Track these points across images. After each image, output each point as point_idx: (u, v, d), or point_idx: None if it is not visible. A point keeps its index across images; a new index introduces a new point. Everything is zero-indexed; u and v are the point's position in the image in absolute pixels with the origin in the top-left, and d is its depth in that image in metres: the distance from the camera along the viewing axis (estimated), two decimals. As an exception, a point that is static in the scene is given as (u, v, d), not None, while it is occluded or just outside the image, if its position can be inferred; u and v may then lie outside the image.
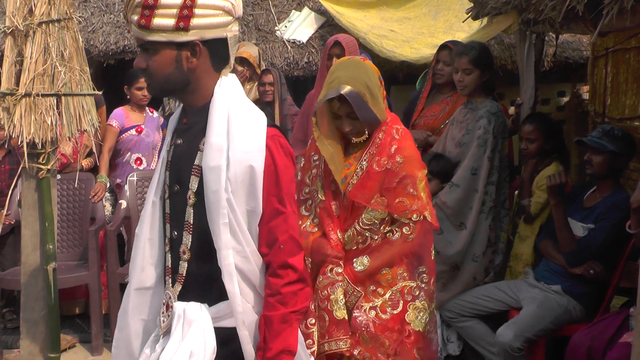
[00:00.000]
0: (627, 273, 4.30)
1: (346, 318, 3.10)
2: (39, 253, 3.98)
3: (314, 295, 3.15)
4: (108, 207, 6.20)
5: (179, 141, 2.40)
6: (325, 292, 3.12)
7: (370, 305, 3.12)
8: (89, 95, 3.78)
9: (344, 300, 3.12)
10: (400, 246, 3.14)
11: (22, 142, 3.67)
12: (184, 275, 2.36)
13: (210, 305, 2.33)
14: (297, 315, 2.33)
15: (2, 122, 3.66)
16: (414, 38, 8.31)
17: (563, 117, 8.73)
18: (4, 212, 5.71)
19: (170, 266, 2.41)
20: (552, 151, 4.74)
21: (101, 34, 9.06)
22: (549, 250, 4.43)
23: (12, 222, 5.65)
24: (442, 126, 5.10)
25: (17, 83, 3.66)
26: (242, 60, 6.34)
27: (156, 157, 6.39)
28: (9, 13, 3.65)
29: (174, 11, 2.22)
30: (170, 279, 2.41)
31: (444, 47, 5.28)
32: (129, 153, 6.27)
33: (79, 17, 3.75)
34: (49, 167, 3.80)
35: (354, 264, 3.16)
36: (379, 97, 3.09)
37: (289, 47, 8.85)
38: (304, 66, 8.56)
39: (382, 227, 3.15)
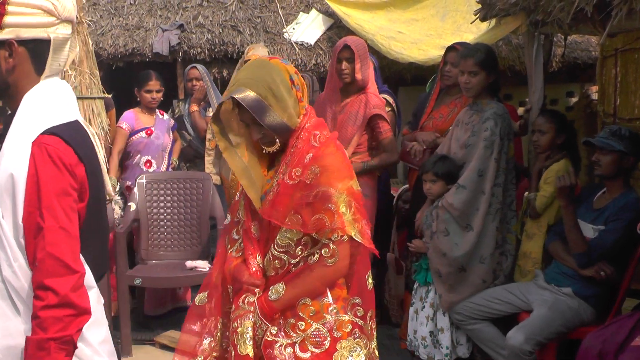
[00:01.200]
0: (639, 275, 4.30)
1: (250, 355, 2.69)
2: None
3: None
4: (117, 210, 6.21)
5: None
6: (235, 323, 2.74)
7: (288, 341, 2.68)
8: (98, 98, 3.80)
9: (251, 334, 2.70)
10: (319, 272, 2.66)
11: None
12: None
13: None
14: (59, 343, 2.05)
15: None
16: (421, 39, 8.31)
17: (572, 117, 8.72)
18: None
19: None
20: (563, 147, 4.73)
21: (110, 37, 9.10)
22: (559, 252, 4.42)
23: None
24: (451, 128, 5.10)
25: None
26: (251, 64, 6.32)
27: (166, 159, 6.40)
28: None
29: None
30: None
31: (451, 48, 5.28)
32: (139, 155, 6.29)
33: (89, 20, 3.76)
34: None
35: (269, 292, 2.70)
36: (287, 99, 2.67)
37: (297, 49, 8.88)
38: (312, 68, 8.59)
39: (298, 250, 2.70)
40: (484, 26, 6.51)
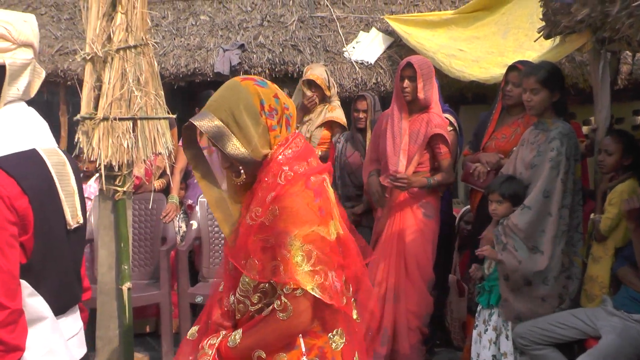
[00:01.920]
0: None
1: None
2: (114, 273, 4.05)
3: None
4: (182, 227, 6.27)
5: None
6: None
7: None
8: (163, 118, 3.84)
9: None
10: (272, 325, 2.34)
11: (99, 164, 3.74)
12: None
13: None
14: None
15: (81, 146, 3.74)
16: (483, 57, 8.23)
17: (638, 136, 8.54)
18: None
19: None
20: (630, 167, 4.62)
21: (172, 57, 9.22)
22: (629, 276, 4.30)
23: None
24: (514, 148, 5.03)
25: (96, 107, 3.75)
26: (309, 83, 6.32)
27: (227, 178, 6.44)
28: (89, 40, 3.74)
29: None
30: None
31: (513, 68, 5.22)
32: (201, 174, 6.33)
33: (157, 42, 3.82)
34: (125, 189, 3.87)
35: (230, 337, 2.44)
36: (251, 127, 2.37)
37: (357, 68, 8.87)
38: (373, 87, 8.56)
39: (255, 297, 2.42)
40: (548, 44, 6.41)
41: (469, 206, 6.08)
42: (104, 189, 3.86)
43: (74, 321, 2.44)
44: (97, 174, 6.41)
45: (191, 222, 6.05)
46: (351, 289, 2.49)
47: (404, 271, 5.18)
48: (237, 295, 2.46)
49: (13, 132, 2.24)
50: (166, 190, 6.33)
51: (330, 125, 6.32)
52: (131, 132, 3.73)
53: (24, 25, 2.32)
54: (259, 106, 2.38)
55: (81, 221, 2.45)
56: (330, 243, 2.35)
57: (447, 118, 5.39)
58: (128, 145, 3.71)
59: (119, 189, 3.85)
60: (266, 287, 2.39)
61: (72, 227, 2.38)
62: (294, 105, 2.52)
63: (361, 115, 6.05)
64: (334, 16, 9.71)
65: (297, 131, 2.52)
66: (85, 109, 3.78)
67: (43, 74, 2.40)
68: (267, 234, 2.33)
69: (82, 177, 6.35)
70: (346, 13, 9.81)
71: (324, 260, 2.31)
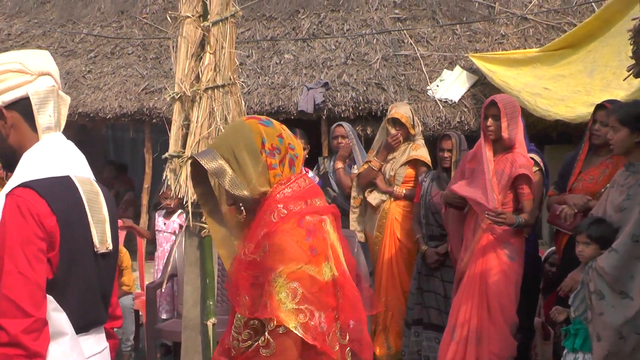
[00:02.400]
0: None
1: None
2: (199, 308, 4.10)
3: None
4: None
5: None
6: None
7: None
8: (250, 157, 3.90)
9: None
10: None
11: (187, 202, 3.81)
12: None
13: None
14: None
15: (169, 183, 3.82)
16: (569, 96, 8.11)
17: None
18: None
19: None
20: None
21: (256, 96, 9.39)
22: None
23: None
24: (603, 190, 4.91)
25: (184, 146, 3.83)
26: (394, 121, 6.33)
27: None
28: (177, 80, 3.83)
29: None
30: None
31: (601, 106, 5.12)
32: (285, 211, 6.38)
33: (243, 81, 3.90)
34: (211, 226, 3.92)
35: None
36: (250, 165, 2.40)
37: (441, 106, 8.86)
38: (457, 125, 8.52)
39: (245, 334, 2.36)
40: (637, 82, 6.29)
41: (554, 248, 5.95)
42: (191, 226, 3.92)
43: (96, 341, 2.55)
44: (180, 210, 6.59)
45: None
46: (348, 337, 2.41)
47: (486, 313, 5.10)
48: (232, 331, 2.44)
49: (50, 158, 2.44)
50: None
51: (414, 163, 6.29)
52: (218, 170, 3.78)
53: (36, 57, 2.49)
54: (259, 145, 2.41)
55: (110, 248, 2.58)
56: (321, 283, 2.31)
57: (532, 158, 5.30)
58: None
59: (205, 226, 3.91)
60: (256, 323, 2.34)
61: (100, 252, 2.51)
62: (300, 147, 2.55)
63: (446, 154, 6.01)
64: (418, 54, 9.73)
65: (305, 172, 2.52)
66: (173, 147, 3.87)
67: (68, 100, 2.60)
68: (257, 270, 2.32)
69: (165, 213, 6.56)
70: (430, 51, 9.82)
71: (310, 300, 2.26)
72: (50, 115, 2.48)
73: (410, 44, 9.97)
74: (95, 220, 2.50)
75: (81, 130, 12.92)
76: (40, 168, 2.39)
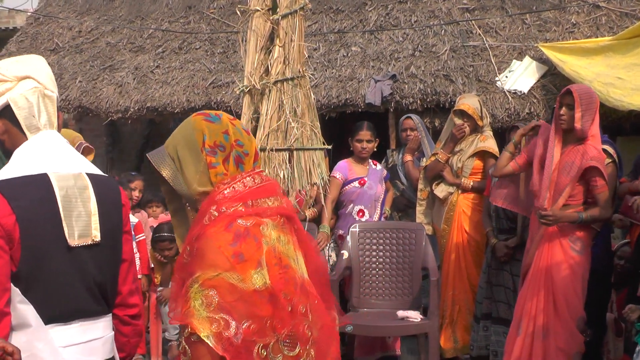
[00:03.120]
0: None
1: None
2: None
3: None
4: (333, 257, 6.34)
5: None
6: None
7: None
8: (319, 149, 3.90)
9: None
10: None
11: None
12: None
13: None
14: None
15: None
16: (643, 86, 7.91)
17: None
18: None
19: None
20: None
21: (323, 88, 9.38)
22: None
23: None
24: (681, 181, 4.78)
25: (253, 139, 3.85)
26: (461, 113, 6.26)
27: (379, 209, 6.46)
28: (247, 73, 3.85)
29: None
30: None
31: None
32: (352, 205, 6.40)
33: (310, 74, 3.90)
34: (280, 219, 3.94)
35: None
36: (189, 163, 2.33)
37: (510, 97, 8.72)
38: (526, 117, 8.37)
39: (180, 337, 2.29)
40: None
41: (624, 240, 5.82)
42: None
43: (81, 332, 2.60)
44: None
45: (342, 251, 6.10)
46: (299, 348, 2.25)
47: (552, 307, 5.02)
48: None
49: (26, 157, 2.58)
50: (317, 220, 6.41)
51: (482, 155, 6.22)
52: (287, 162, 3.80)
53: (15, 64, 2.67)
54: (200, 142, 2.32)
55: (98, 239, 2.62)
56: (244, 292, 2.15)
57: (605, 150, 5.17)
58: (284, 176, 3.79)
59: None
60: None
61: (82, 244, 2.59)
62: (252, 142, 2.42)
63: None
64: (487, 45, 9.60)
65: (259, 170, 2.39)
66: (243, 140, 3.89)
67: (55, 97, 2.71)
68: (184, 274, 2.21)
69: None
70: (499, 42, 9.68)
71: (227, 309, 2.13)
72: (34, 115, 2.63)
73: (479, 34, 9.84)
74: (75, 214, 2.57)
75: (149, 124, 13.16)
76: (15, 168, 2.55)
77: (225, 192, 2.27)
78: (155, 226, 6.74)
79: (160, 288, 6.56)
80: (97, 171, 2.73)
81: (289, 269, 2.26)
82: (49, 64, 2.77)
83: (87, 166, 2.72)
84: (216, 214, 2.23)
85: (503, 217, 5.90)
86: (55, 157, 2.63)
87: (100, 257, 2.64)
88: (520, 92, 8.80)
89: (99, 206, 2.63)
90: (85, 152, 4.56)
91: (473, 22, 10.03)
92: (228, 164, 2.31)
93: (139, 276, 6.24)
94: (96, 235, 2.61)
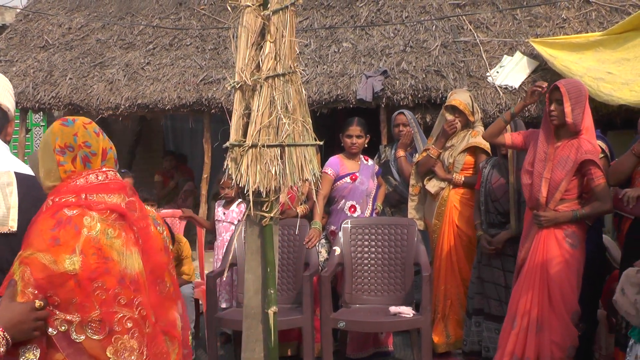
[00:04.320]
0: None
1: None
2: (260, 297, 4.11)
3: None
4: (323, 253, 6.34)
5: None
6: None
7: None
8: (311, 145, 3.88)
9: None
10: None
11: (248, 190, 3.82)
12: None
13: None
14: None
15: (230, 172, 3.83)
16: (633, 80, 7.94)
17: None
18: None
19: None
20: None
21: (314, 85, 9.38)
22: None
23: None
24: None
25: (245, 135, 3.83)
26: (453, 109, 6.27)
27: (370, 204, 6.46)
28: (238, 69, 3.83)
29: None
30: None
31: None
32: (344, 200, 6.39)
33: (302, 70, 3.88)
34: (272, 214, 3.92)
35: None
36: (46, 162, 2.69)
37: (501, 93, 8.75)
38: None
39: None
40: None
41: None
42: (252, 214, 3.93)
43: None
44: (239, 200, 6.64)
45: (334, 248, 6.10)
46: (105, 335, 2.45)
47: (547, 301, 5.04)
48: None
49: None
50: (309, 216, 6.41)
51: (473, 150, 6.24)
52: (279, 158, 3.78)
53: None
54: (53, 143, 2.65)
55: (14, 229, 2.90)
56: (53, 272, 2.39)
57: (598, 145, 5.20)
58: (276, 172, 3.77)
59: (266, 214, 3.91)
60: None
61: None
62: (101, 143, 2.71)
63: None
64: (478, 40, 9.62)
65: (106, 169, 2.69)
66: (234, 136, 3.86)
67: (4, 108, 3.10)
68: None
69: (224, 203, 6.59)
70: (490, 37, 9.70)
71: (34, 285, 2.38)
72: None
73: (470, 30, 9.86)
74: None
75: (141, 121, 13.15)
76: None
77: (70, 185, 2.60)
78: None
79: None
80: (27, 171, 3.04)
81: (109, 261, 2.47)
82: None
83: (18, 166, 3.04)
84: (50, 203, 2.55)
85: (493, 212, 5.91)
86: None
87: (16, 246, 2.68)
88: (512, 87, 8.83)
89: (20, 201, 2.93)
90: None
91: (464, 17, 10.06)
92: (76, 162, 2.64)
93: None
94: (13, 225, 2.89)
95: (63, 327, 2.39)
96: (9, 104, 3.13)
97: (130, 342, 2.48)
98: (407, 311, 5.69)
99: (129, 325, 2.48)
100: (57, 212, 2.49)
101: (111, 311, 2.45)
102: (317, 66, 9.81)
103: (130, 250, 2.54)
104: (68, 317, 2.40)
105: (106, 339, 2.43)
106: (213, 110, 10.06)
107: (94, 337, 2.42)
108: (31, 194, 2.94)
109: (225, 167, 3.91)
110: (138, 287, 2.52)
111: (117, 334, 2.46)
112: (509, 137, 5.50)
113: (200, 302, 6.83)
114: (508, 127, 5.59)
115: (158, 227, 2.78)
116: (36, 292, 2.37)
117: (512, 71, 9.02)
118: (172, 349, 2.69)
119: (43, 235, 2.44)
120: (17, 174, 2.96)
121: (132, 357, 2.48)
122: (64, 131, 2.66)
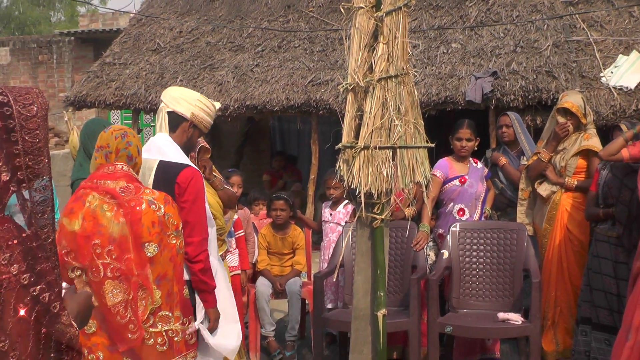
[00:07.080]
0: None
1: None
2: (369, 299, 4.11)
3: None
4: (432, 256, 6.29)
5: None
6: None
7: None
8: (423, 147, 3.86)
9: None
10: None
11: (359, 192, 3.83)
12: None
13: None
14: None
15: (341, 174, 3.85)
16: None
17: None
18: None
19: None
20: None
21: (423, 86, 9.32)
22: None
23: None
24: None
25: (357, 136, 3.84)
26: (564, 111, 6.11)
27: (479, 208, 6.36)
28: (350, 71, 3.84)
29: None
30: None
31: None
32: (452, 203, 6.32)
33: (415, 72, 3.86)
34: (383, 217, 3.92)
35: None
36: (90, 157, 3.99)
37: (615, 94, 8.46)
38: (632, 114, 8.10)
39: None
40: None
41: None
42: (363, 216, 3.94)
43: None
44: (346, 201, 6.65)
45: (442, 251, 6.05)
46: (82, 274, 3.52)
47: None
48: None
49: None
50: (415, 218, 6.37)
51: (586, 154, 6.07)
52: (391, 160, 3.78)
53: None
54: (94, 144, 3.79)
55: None
56: (67, 231, 3.52)
57: None
58: (387, 174, 3.77)
59: (377, 216, 3.91)
60: None
61: None
62: (114, 145, 3.75)
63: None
64: (591, 40, 9.35)
65: (115, 163, 3.74)
66: (346, 138, 3.89)
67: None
68: None
69: (331, 204, 6.63)
70: (604, 36, 9.41)
71: (58, 239, 3.37)
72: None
73: (583, 28, 9.59)
74: None
75: (249, 122, 13.34)
76: None
77: (93, 173, 3.70)
78: (257, 222, 7.03)
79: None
80: (174, 160, 4.03)
81: (102, 227, 3.48)
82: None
83: (171, 157, 4.06)
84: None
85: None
86: None
87: None
88: (627, 88, 8.53)
89: (154, 181, 3.93)
90: (202, 152, 4.85)
91: (577, 16, 9.79)
92: (102, 158, 3.71)
93: (238, 272, 6.35)
94: None
95: (77, 273, 3.49)
96: (185, 110, 4.46)
97: (119, 285, 3.45)
98: (516, 318, 5.58)
99: (117, 274, 3.45)
100: (79, 190, 3.64)
101: (105, 262, 3.45)
102: (426, 67, 9.74)
103: (118, 220, 3.49)
104: (76, 265, 3.48)
105: (102, 281, 3.44)
106: (321, 112, 10.12)
107: (94, 279, 3.45)
108: (162, 176, 3.95)
109: (336, 168, 3.94)
110: (125, 247, 3.47)
111: (109, 279, 3.44)
112: (626, 152, 5.33)
113: (306, 301, 6.88)
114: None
115: (152, 206, 3.55)
116: (64, 243, 3.50)
117: (627, 71, 8.72)
118: (145, 296, 3.50)
119: (67, 205, 3.62)
120: (161, 161, 3.99)
121: (119, 296, 3.44)
122: (100, 136, 3.75)
